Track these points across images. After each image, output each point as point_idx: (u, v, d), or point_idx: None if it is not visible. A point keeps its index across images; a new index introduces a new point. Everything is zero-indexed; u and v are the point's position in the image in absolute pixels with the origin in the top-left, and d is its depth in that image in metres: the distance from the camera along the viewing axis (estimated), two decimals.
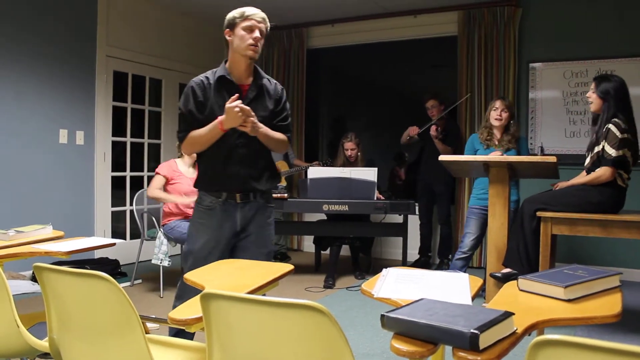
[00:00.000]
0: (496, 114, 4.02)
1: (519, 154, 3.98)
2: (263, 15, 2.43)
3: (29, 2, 4.43)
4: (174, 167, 4.32)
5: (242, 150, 2.38)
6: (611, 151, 3.12)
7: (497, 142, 4.06)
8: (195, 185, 2.51)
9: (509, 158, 3.40)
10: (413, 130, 5.04)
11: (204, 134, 2.33)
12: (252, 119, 2.25)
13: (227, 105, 2.21)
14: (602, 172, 3.15)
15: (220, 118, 2.26)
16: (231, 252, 2.47)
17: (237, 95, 2.25)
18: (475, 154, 4.05)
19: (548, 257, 3.15)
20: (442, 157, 3.51)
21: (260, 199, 2.47)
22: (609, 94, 3.22)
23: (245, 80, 2.42)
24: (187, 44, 6.05)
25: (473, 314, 1.12)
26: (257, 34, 2.36)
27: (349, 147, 5.03)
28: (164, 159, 5.72)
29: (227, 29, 2.39)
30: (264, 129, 2.35)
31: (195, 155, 4.31)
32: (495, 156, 3.68)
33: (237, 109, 2.20)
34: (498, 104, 4.05)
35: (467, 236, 4.16)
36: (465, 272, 4.12)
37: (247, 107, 2.23)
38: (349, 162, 5.04)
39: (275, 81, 2.54)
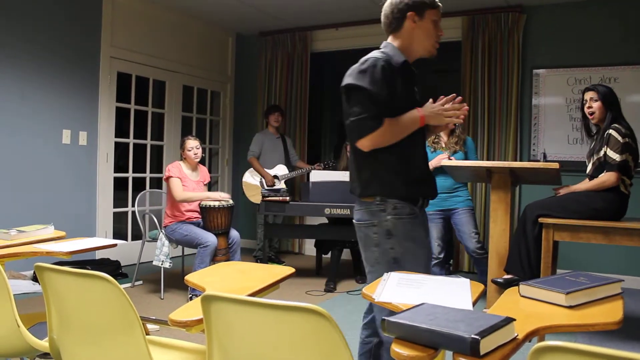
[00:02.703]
0: None
1: (466, 156, 4.02)
2: None
3: (34, 3, 4.45)
4: (181, 169, 4.32)
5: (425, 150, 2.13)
6: (615, 156, 3.12)
7: (444, 145, 4.09)
8: (378, 192, 1.99)
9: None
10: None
11: (405, 124, 1.96)
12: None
13: (451, 105, 1.99)
14: (607, 177, 3.14)
15: (421, 111, 1.97)
16: None
17: (454, 95, 2.03)
18: None
19: (550, 263, 3.15)
20: (444, 162, 3.51)
21: None
22: (610, 100, 3.22)
23: None
24: (191, 46, 6.07)
25: (474, 319, 1.11)
26: (440, 30, 2.06)
27: None
28: (166, 161, 5.72)
29: (413, 12, 2.01)
30: None
31: (193, 158, 4.35)
32: (441, 159, 3.85)
33: (456, 111, 1.98)
34: None
35: (433, 243, 4.08)
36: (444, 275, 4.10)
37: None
38: None
39: None
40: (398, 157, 1.98)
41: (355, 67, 1.98)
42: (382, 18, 2.09)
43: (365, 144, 1.92)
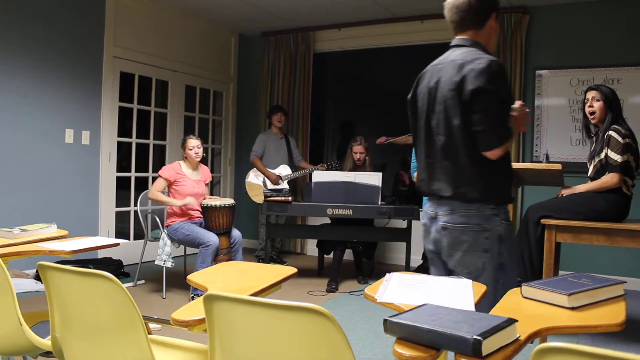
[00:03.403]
0: None
1: None
2: None
3: (37, 1, 4.46)
4: (178, 169, 4.33)
5: None
6: (616, 157, 3.11)
7: None
8: (494, 197, 1.92)
9: None
10: (380, 140, 5.17)
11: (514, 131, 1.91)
12: None
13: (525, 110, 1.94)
14: (609, 178, 3.14)
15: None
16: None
17: (523, 103, 1.99)
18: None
19: (552, 264, 3.14)
20: None
21: None
22: (612, 101, 3.22)
23: None
24: (194, 46, 6.07)
25: (476, 320, 1.11)
26: None
27: (358, 150, 5.04)
28: (168, 160, 5.73)
29: (495, 13, 2.00)
30: None
31: (194, 158, 4.36)
32: None
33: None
34: None
35: None
36: None
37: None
38: (356, 166, 5.05)
39: None
40: (507, 163, 1.96)
41: (480, 69, 1.81)
42: (462, 13, 1.96)
43: (498, 153, 1.84)
